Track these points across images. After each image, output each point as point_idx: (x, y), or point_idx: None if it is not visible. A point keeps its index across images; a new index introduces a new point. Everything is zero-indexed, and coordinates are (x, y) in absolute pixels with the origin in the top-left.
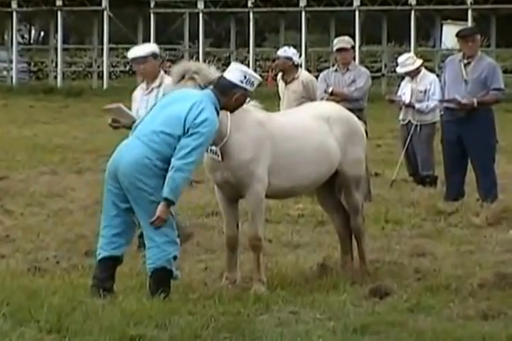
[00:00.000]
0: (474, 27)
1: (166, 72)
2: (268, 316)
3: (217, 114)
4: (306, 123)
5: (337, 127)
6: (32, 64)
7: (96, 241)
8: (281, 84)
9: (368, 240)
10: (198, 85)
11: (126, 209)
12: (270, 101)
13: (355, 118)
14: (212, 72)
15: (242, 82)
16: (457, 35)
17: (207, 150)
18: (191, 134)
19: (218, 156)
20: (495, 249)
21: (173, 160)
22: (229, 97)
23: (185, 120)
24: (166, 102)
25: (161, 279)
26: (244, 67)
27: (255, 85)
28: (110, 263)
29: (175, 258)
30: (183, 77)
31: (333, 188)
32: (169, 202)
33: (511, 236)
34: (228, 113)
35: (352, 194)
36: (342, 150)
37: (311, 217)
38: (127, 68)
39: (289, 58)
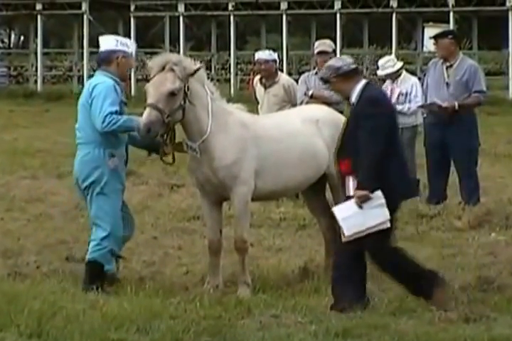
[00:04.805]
0: (455, 30)
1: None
2: (249, 320)
3: (118, 84)
4: (293, 125)
5: (326, 129)
6: (12, 68)
7: (76, 246)
8: (259, 88)
9: None
10: (177, 77)
11: None
12: (252, 104)
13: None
14: (192, 63)
15: (116, 45)
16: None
17: (186, 147)
18: (91, 102)
19: (197, 153)
20: (477, 252)
21: (99, 130)
22: (114, 64)
23: (86, 101)
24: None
25: (92, 271)
26: (112, 36)
27: (130, 45)
28: None
29: (111, 252)
30: (163, 68)
31: (322, 190)
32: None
33: (493, 239)
34: (210, 112)
35: (340, 196)
36: (331, 153)
37: (293, 221)
38: None
39: (275, 61)
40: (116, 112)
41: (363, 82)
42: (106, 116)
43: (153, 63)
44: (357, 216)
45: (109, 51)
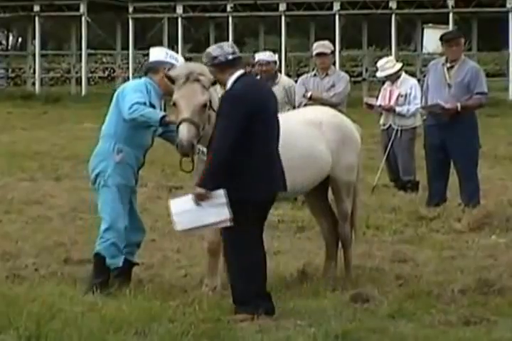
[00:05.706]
0: (458, 30)
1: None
2: (248, 323)
3: (156, 92)
4: (295, 128)
5: (329, 132)
6: (10, 70)
7: (74, 248)
8: None
9: None
10: (203, 86)
11: None
12: None
13: (350, 124)
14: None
15: (165, 57)
16: (441, 38)
17: (197, 151)
18: (122, 96)
19: (206, 156)
20: (477, 254)
21: (125, 117)
22: (160, 74)
23: (118, 95)
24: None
25: (96, 264)
26: (163, 48)
27: (179, 60)
28: None
29: (114, 245)
30: (187, 79)
31: (325, 193)
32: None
33: (493, 241)
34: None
35: (342, 200)
36: (334, 156)
37: (291, 223)
38: (106, 74)
39: (275, 62)
40: (144, 104)
41: (238, 73)
42: (133, 104)
43: (178, 74)
44: (192, 212)
45: (158, 61)
